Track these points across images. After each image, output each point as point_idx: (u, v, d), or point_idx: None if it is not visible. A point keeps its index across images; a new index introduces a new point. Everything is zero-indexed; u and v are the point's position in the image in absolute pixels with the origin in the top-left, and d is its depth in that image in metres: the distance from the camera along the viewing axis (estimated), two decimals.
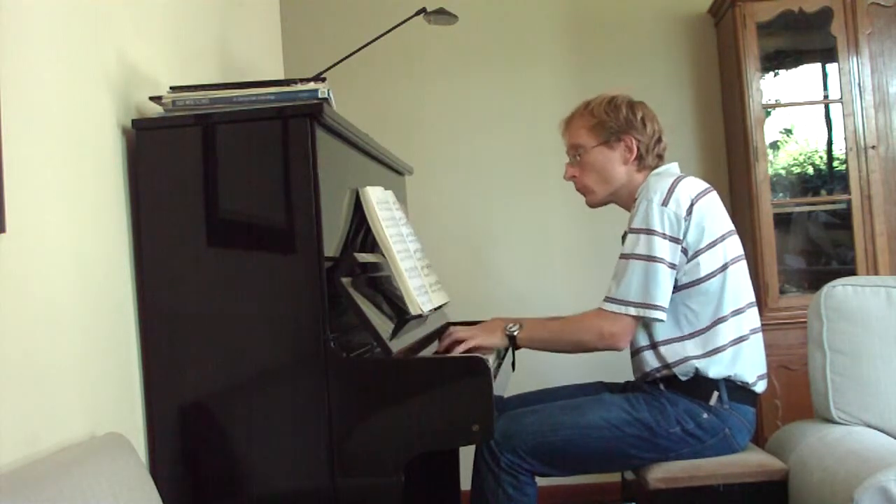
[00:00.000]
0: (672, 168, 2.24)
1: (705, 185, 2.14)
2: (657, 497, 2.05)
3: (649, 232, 2.04)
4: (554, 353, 2.28)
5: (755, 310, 2.16)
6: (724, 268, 2.08)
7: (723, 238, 2.10)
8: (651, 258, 2.03)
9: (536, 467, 2.07)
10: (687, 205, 2.06)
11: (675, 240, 2.04)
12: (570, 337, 2.15)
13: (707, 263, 2.07)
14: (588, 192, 2.29)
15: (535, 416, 2.14)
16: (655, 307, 2.04)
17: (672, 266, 2.04)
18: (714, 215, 2.10)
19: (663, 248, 2.03)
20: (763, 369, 2.16)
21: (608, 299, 2.08)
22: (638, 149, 2.20)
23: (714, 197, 2.13)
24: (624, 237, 2.28)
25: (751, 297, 2.16)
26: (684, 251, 2.06)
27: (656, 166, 2.23)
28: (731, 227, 2.15)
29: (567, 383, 2.43)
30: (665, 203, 2.05)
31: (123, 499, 1.39)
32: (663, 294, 2.04)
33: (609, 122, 2.20)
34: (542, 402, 2.25)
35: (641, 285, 2.03)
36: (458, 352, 2.09)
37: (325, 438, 1.77)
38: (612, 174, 2.23)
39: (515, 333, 2.16)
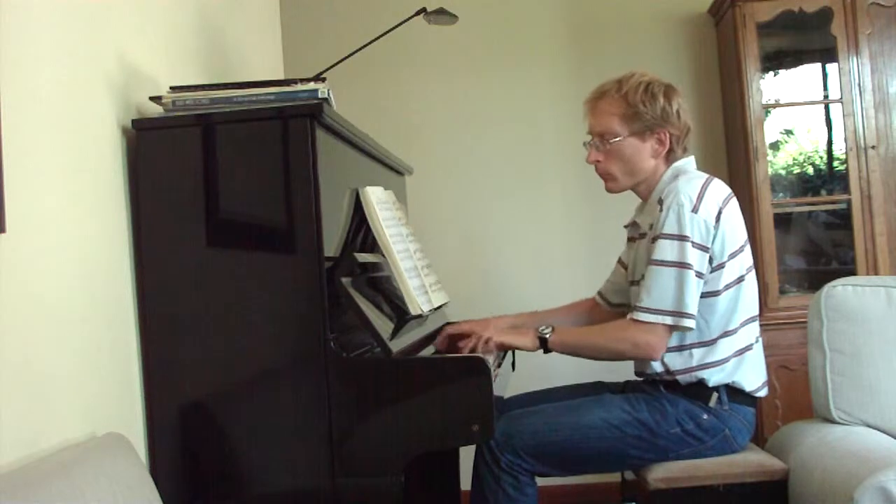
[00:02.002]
0: (691, 164, 2.17)
1: (728, 189, 2.11)
2: (657, 497, 2.05)
3: (682, 238, 1.99)
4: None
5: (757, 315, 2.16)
6: (741, 280, 2.06)
7: (741, 249, 2.07)
8: (682, 265, 1.98)
9: (536, 467, 2.07)
10: (715, 212, 2.02)
11: (703, 248, 2.00)
12: (603, 345, 2.09)
13: (726, 275, 2.04)
14: (610, 179, 2.20)
15: (535, 416, 2.13)
16: (687, 315, 1.99)
17: (699, 275, 2.00)
18: (735, 225, 2.07)
19: (693, 256, 1.98)
20: (764, 376, 2.15)
21: (641, 309, 2.01)
22: (670, 142, 2.12)
23: (735, 204, 2.10)
24: (628, 227, 2.27)
25: (758, 303, 2.15)
26: (710, 260, 2.02)
27: (678, 157, 2.16)
28: (746, 235, 2.12)
29: (567, 383, 2.43)
30: (696, 210, 2.00)
31: (123, 499, 1.39)
32: (693, 302, 1.99)
33: (645, 113, 2.09)
34: (542, 402, 2.25)
35: (676, 293, 1.98)
36: (491, 346, 2.09)
37: (325, 438, 1.77)
38: (640, 167, 2.14)
39: (548, 336, 2.11)
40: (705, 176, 2.11)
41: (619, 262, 2.38)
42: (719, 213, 2.02)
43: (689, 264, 1.98)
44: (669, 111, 2.10)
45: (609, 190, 2.24)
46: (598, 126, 2.17)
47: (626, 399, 2.13)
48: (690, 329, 2.02)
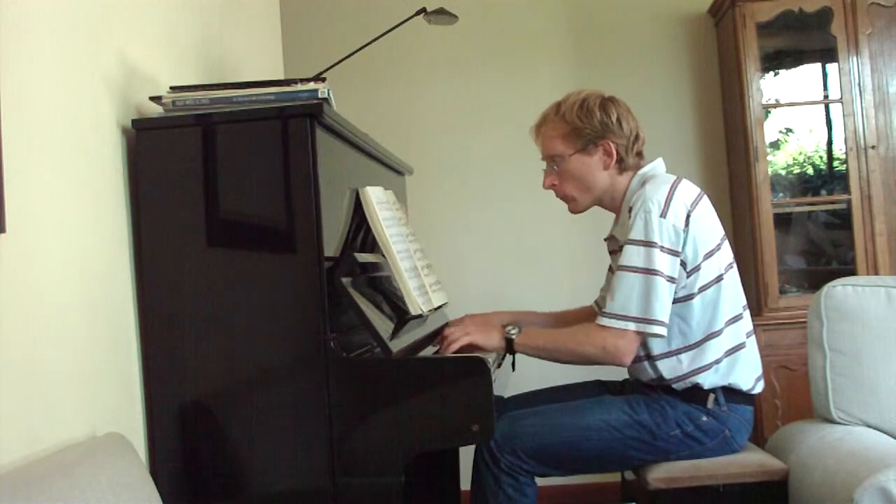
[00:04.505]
0: (658, 167, 2.18)
1: (697, 189, 2.10)
2: (657, 497, 2.05)
3: (649, 244, 1.98)
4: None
5: (748, 312, 2.15)
6: (720, 279, 2.06)
7: (717, 248, 2.07)
8: (650, 271, 1.97)
9: (536, 468, 2.07)
10: (684, 216, 2.01)
11: (674, 253, 1.99)
12: (571, 347, 2.08)
13: (702, 277, 2.03)
14: (570, 200, 2.23)
15: (534, 417, 2.13)
16: (655, 322, 1.98)
17: (671, 280, 1.99)
18: (708, 225, 2.06)
19: (663, 262, 1.98)
20: (759, 370, 2.15)
21: (606, 314, 2.01)
22: (617, 152, 2.12)
23: (706, 203, 2.09)
24: (607, 241, 2.27)
25: (744, 300, 2.15)
26: (683, 264, 2.02)
27: (638, 165, 2.17)
28: (722, 231, 2.12)
29: (566, 383, 2.43)
30: (664, 214, 1.99)
31: (123, 499, 1.39)
32: (663, 308, 1.98)
33: (584, 128, 2.12)
34: (542, 403, 2.25)
35: (641, 299, 1.97)
36: (450, 351, 2.05)
37: (325, 438, 1.77)
38: (593, 181, 2.16)
39: (514, 337, 2.10)
40: (673, 178, 2.10)
41: (610, 269, 2.38)
42: (688, 216, 2.01)
43: (657, 270, 1.97)
44: (609, 122, 2.12)
45: (572, 211, 2.26)
46: (545, 150, 2.22)
47: (626, 401, 2.12)
48: (661, 336, 2.01)
